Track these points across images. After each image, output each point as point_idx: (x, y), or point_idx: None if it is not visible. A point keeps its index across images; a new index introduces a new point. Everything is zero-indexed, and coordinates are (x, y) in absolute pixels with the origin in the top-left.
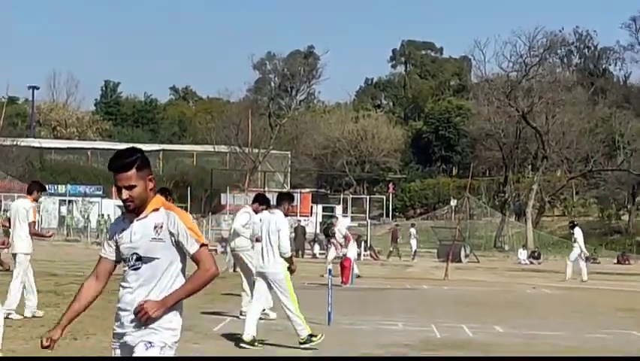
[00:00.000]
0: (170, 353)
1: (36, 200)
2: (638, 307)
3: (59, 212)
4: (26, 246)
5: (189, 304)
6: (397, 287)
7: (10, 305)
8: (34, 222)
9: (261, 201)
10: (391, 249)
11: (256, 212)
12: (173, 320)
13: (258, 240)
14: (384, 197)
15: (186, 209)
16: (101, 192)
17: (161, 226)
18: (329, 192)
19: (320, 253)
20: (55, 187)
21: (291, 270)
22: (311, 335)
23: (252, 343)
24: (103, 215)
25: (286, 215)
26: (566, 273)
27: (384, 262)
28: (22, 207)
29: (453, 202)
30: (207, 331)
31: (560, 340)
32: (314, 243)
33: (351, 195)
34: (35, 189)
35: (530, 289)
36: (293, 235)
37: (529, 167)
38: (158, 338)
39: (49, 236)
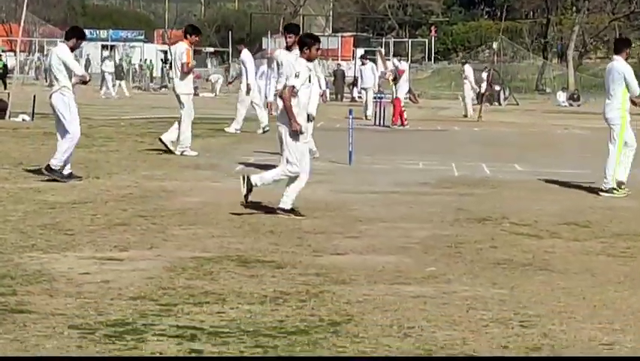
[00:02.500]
0: None
1: (74, 48)
2: None
3: (101, 57)
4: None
5: (216, 146)
6: (428, 129)
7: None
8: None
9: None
10: (487, 94)
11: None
12: None
13: None
14: (427, 40)
15: (228, 54)
16: (142, 37)
17: None
18: (371, 35)
19: (359, 97)
20: (97, 32)
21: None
22: None
23: None
24: (145, 60)
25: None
26: (467, 111)
27: (421, 105)
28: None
29: (495, 45)
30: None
31: (576, 177)
32: (353, 86)
33: (393, 39)
34: (74, 36)
35: (562, 130)
36: (332, 78)
37: (573, 8)
38: None
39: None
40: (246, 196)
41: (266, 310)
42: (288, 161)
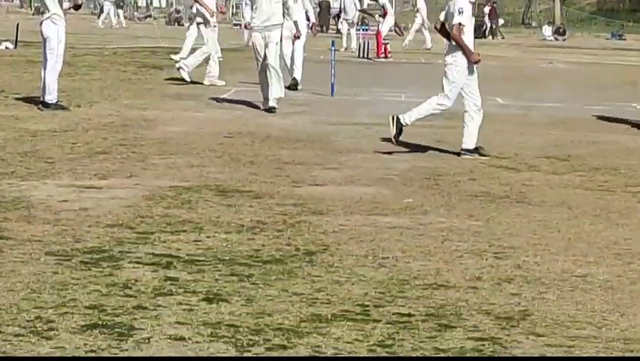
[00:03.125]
0: None
1: None
2: None
3: None
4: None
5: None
6: (412, 61)
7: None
8: None
9: None
10: (493, 26)
11: None
12: None
13: None
14: None
15: None
16: None
17: None
18: None
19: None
20: None
21: None
22: None
23: None
24: None
25: None
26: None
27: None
28: None
29: None
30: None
31: (557, 111)
32: (337, 18)
33: None
34: None
35: (546, 64)
36: (317, 9)
37: None
38: None
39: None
40: (396, 137)
41: (242, 239)
42: (445, 95)
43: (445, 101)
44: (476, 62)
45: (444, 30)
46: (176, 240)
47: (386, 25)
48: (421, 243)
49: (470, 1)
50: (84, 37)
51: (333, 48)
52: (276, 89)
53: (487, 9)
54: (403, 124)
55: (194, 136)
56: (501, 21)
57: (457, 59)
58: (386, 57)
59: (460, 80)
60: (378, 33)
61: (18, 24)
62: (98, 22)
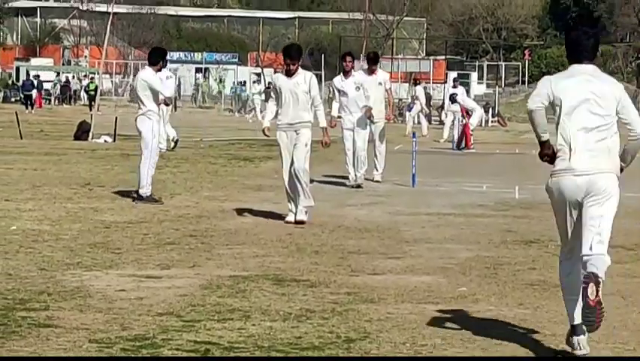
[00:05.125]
0: None
1: (160, 70)
2: None
3: (195, 79)
4: None
5: None
6: (505, 152)
7: None
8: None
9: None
10: None
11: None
12: None
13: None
14: (520, 64)
15: (321, 76)
16: (236, 60)
17: None
18: (464, 59)
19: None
20: (192, 55)
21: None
22: None
23: None
24: (239, 82)
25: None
26: (406, 128)
27: (509, 129)
28: None
29: None
30: None
31: (637, 201)
32: (441, 109)
33: (486, 62)
34: (160, 58)
35: None
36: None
37: None
38: None
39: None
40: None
41: (287, 327)
42: None
43: None
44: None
45: None
46: (221, 328)
47: (473, 119)
48: (462, 330)
49: None
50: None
51: (414, 139)
52: (305, 199)
53: None
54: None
55: (264, 226)
56: None
57: None
58: (467, 147)
59: None
60: (466, 125)
61: (117, 118)
62: (248, 117)
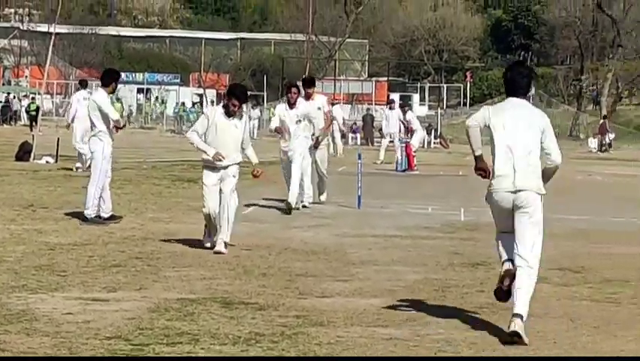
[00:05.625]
0: None
1: (113, 92)
2: None
3: (136, 100)
4: None
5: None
6: (449, 173)
7: None
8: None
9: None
10: (603, 142)
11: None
12: None
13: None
14: (462, 86)
15: (263, 97)
16: (178, 81)
17: None
18: (407, 80)
19: (390, 141)
20: (133, 75)
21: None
22: None
23: None
24: (182, 103)
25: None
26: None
27: (451, 150)
28: None
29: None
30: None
31: (581, 223)
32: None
33: (428, 84)
34: (112, 80)
35: (585, 176)
36: (362, 123)
37: (609, 55)
38: None
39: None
40: None
41: (236, 351)
42: None
43: None
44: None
45: None
46: (170, 351)
47: (414, 139)
48: (414, 354)
49: None
50: (128, 150)
51: (360, 161)
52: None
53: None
54: None
55: (210, 249)
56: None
57: None
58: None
59: None
60: (408, 146)
61: (59, 138)
62: None
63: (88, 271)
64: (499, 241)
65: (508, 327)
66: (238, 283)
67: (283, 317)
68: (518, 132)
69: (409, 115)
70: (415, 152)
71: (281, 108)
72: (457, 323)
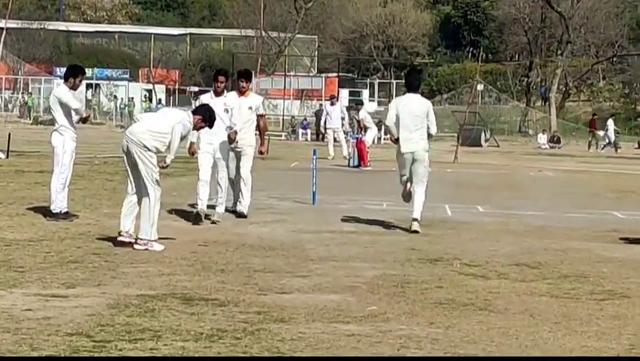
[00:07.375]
0: None
1: (74, 87)
2: (631, 189)
3: (85, 96)
4: None
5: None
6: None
7: None
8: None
9: None
10: (590, 139)
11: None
12: None
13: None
14: None
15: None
16: (127, 76)
17: None
18: (356, 76)
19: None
20: None
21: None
22: None
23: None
24: (130, 98)
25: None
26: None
27: None
28: None
29: (480, 87)
30: None
31: (536, 219)
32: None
33: (377, 80)
34: (72, 76)
35: (535, 172)
36: (314, 118)
37: (557, 51)
38: None
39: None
40: None
41: (199, 347)
42: None
43: None
44: None
45: None
46: (132, 348)
47: (368, 135)
48: (376, 351)
49: None
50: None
51: (314, 157)
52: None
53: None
54: None
55: (167, 245)
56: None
57: None
58: (365, 165)
59: None
60: (361, 142)
61: (10, 133)
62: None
63: (45, 267)
64: (403, 178)
65: (410, 227)
66: (197, 279)
67: (244, 313)
68: (413, 114)
69: (362, 113)
70: (368, 148)
71: (206, 97)
72: (418, 319)
